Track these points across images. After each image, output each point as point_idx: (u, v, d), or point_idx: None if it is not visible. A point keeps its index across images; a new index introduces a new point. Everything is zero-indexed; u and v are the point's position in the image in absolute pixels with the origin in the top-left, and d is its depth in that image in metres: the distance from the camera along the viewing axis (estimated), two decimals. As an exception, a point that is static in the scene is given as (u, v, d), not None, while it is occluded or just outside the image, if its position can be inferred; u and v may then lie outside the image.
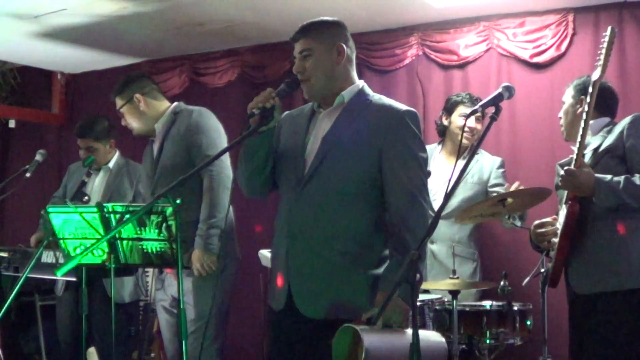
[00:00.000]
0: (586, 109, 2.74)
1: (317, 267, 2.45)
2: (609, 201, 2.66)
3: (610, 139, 2.78)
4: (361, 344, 2.13)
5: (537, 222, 2.99)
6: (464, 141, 4.01)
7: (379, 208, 2.48)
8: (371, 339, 2.15)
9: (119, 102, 3.59)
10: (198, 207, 3.33)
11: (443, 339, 2.41)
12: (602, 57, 2.71)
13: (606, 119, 2.91)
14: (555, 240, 2.85)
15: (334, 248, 2.44)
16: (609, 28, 2.73)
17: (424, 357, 2.00)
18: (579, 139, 2.74)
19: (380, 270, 2.46)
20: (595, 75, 2.72)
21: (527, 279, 3.44)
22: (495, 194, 3.85)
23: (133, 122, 3.57)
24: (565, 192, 2.82)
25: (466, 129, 3.98)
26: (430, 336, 2.44)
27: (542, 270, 3.13)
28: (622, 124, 2.80)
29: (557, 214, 2.99)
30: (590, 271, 2.77)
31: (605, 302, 2.72)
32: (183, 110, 3.52)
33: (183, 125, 3.44)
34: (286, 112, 2.73)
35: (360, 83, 2.59)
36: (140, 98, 3.52)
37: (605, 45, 2.71)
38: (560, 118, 3.03)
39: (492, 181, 4.02)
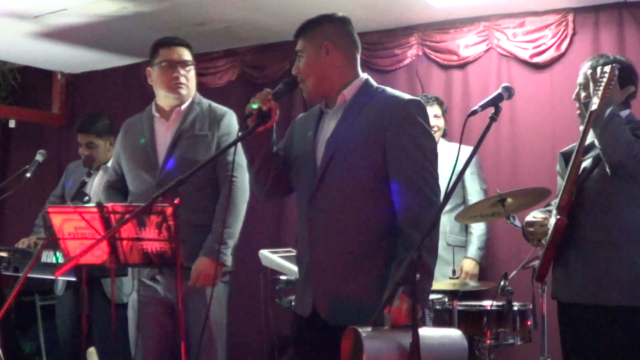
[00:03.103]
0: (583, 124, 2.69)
1: (338, 273, 2.41)
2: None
3: None
4: (363, 348, 2.12)
5: (528, 219, 2.95)
6: None
7: (391, 203, 2.38)
8: (373, 344, 2.13)
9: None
10: (210, 212, 3.21)
11: (461, 334, 2.30)
12: (601, 90, 2.63)
13: (625, 112, 2.81)
14: (544, 242, 2.84)
15: (353, 251, 2.39)
16: (609, 66, 2.65)
17: (443, 353, 1.96)
18: (575, 153, 2.71)
19: None
20: (594, 106, 2.64)
21: (514, 272, 3.46)
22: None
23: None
24: (560, 192, 2.79)
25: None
26: (450, 333, 2.36)
27: (532, 264, 3.13)
28: None
29: (557, 193, 2.96)
30: (573, 282, 2.75)
31: (586, 315, 2.71)
32: (203, 102, 3.33)
33: (207, 121, 3.26)
34: (300, 115, 2.72)
35: (363, 77, 2.53)
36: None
37: (605, 80, 2.63)
38: (576, 101, 2.92)
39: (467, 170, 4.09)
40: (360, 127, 2.41)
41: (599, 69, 2.70)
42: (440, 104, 4.25)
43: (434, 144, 2.42)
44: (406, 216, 2.32)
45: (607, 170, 2.65)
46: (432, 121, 4.11)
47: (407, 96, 2.45)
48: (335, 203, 2.41)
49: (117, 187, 3.42)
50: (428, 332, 1.97)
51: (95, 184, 4.17)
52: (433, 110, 4.16)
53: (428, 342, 1.99)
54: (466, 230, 4.20)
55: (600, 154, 2.65)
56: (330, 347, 2.35)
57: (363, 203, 2.39)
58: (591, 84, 2.72)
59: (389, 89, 2.51)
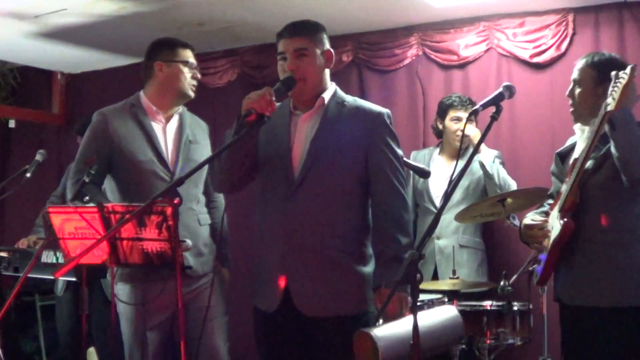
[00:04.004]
0: (592, 133, 2.66)
1: (316, 266, 2.51)
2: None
3: None
4: (375, 346, 2.21)
5: (527, 221, 2.94)
6: (458, 143, 4.08)
7: (365, 204, 2.61)
8: (385, 342, 2.24)
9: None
10: (206, 213, 3.32)
11: (456, 311, 2.60)
12: (618, 91, 2.53)
13: None
14: (545, 244, 2.82)
15: (331, 246, 2.51)
16: (630, 67, 2.57)
17: (444, 329, 2.29)
18: (584, 145, 2.67)
19: (368, 266, 2.56)
20: (610, 107, 2.54)
21: (515, 276, 3.46)
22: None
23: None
24: (564, 194, 2.78)
25: (459, 132, 4.07)
26: (445, 311, 2.62)
27: (531, 268, 3.13)
28: None
29: (550, 193, 2.94)
30: (578, 284, 2.74)
31: (591, 317, 2.70)
32: (184, 109, 3.36)
33: (200, 131, 3.34)
34: None
35: (333, 86, 2.69)
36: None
37: (624, 81, 2.54)
38: (570, 99, 2.85)
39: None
40: (342, 133, 2.56)
41: (612, 72, 2.63)
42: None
43: (401, 149, 2.66)
44: (387, 216, 2.54)
45: (622, 175, 2.62)
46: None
47: (380, 108, 2.67)
48: (317, 200, 2.53)
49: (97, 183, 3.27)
50: (426, 315, 2.08)
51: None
52: (468, 114, 4.12)
53: (428, 325, 2.15)
54: (479, 231, 4.13)
55: (613, 154, 2.62)
56: (306, 337, 2.52)
57: (342, 203, 2.56)
58: None
59: (358, 99, 2.71)
